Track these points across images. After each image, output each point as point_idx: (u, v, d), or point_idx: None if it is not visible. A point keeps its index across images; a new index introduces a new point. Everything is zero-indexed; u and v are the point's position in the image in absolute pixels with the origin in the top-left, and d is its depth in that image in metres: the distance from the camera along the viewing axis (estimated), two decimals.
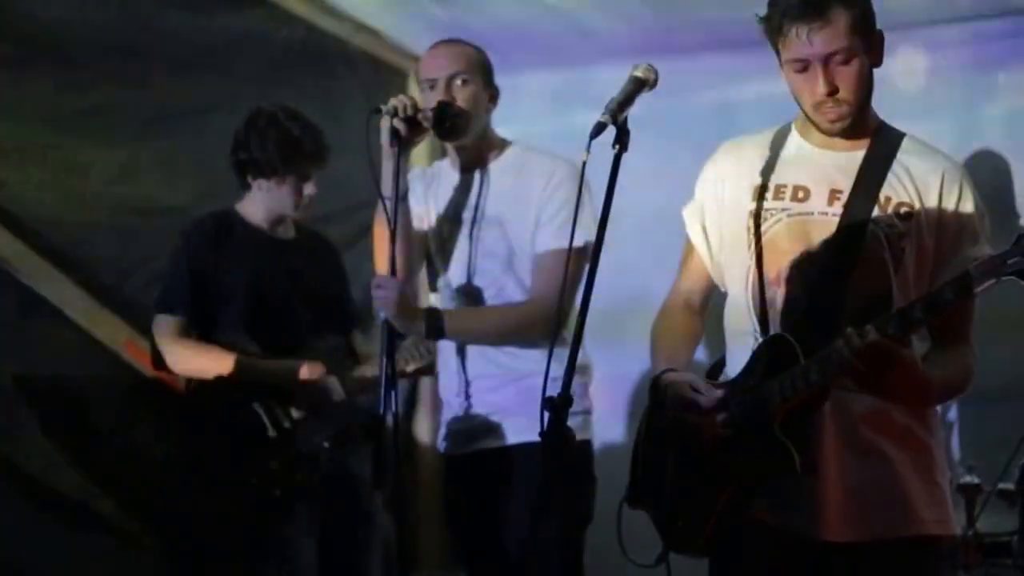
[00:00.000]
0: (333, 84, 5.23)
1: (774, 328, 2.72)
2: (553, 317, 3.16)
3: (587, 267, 2.54)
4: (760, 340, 2.74)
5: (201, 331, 3.93)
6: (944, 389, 2.70)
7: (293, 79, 5.08)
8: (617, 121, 2.57)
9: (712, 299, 3.00)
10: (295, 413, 3.87)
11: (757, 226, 2.76)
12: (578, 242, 3.08)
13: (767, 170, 2.81)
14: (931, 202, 2.71)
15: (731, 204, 2.85)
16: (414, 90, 5.10)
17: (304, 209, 4.04)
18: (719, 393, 2.70)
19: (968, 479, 3.80)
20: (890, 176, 2.71)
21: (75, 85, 4.30)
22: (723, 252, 2.89)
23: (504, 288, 3.52)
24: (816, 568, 2.70)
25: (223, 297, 3.92)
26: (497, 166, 3.59)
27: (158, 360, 3.98)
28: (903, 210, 2.71)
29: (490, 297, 3.54)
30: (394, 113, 3.35)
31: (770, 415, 2.60)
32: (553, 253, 3.42)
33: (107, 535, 4.15)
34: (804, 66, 2.67)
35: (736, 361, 2.80)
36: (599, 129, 2.56)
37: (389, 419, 3.13)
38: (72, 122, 4.29)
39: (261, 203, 4.02)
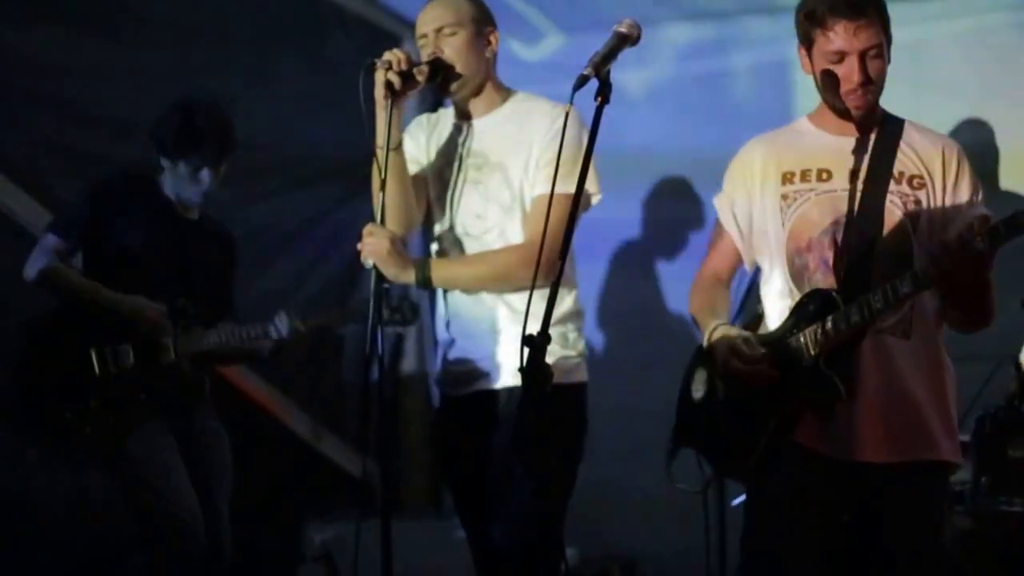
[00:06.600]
0: (328, 47, 5.31)
1: (809, 287, 3.07)
2: (546, 259, 2.93)
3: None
4: (796, 299, 3.09)
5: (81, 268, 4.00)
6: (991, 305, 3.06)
7: (288, 43, 5.21)
8: (600, 74, 2.70)
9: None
10: (125, 360, 3.94)
11: (789, 205, 3.11)
12: (570, 188, 2.94)
13: (792, 158, 3.15)
14: (936, 173, 3.09)
15: (761, 192, 3.17)
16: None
17: (201, 196, 4.09)
18: (762, 350, 3.06)
19: None
20: (899, 154, 3.09)
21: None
22: (754, 234, 3.20)
23: (506, 232, 3.52)
24: (846, 486, 3.04)
25: (113, 249, 4.00)
26: (501, 112, 3.60)
27: None
28: (915, 181, 3.08)
29: (492, 241, 3.55)
30: (388, 67, 3.40)
31: (815, 353, 3.00)
32: (548, 197, 3.24)
33: None
34: (841, 57, 3.02)
35: (775, 320, 3.16)
36: (582, 81, 2.69)
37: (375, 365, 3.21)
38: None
39: (167, 181, 4.09)
